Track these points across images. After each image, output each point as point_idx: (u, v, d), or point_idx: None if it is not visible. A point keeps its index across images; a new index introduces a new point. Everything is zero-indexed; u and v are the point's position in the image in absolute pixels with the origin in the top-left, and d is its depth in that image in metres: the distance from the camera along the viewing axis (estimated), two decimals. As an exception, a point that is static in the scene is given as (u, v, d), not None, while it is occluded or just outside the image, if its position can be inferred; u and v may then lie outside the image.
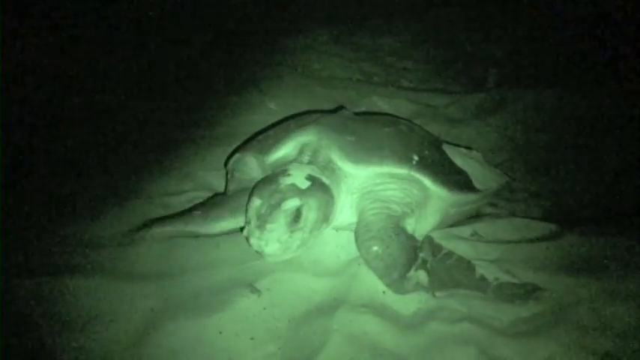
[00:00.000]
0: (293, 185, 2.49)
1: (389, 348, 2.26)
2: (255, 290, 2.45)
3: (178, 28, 6.14)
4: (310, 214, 2.47)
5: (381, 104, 4.75)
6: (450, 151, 3.10)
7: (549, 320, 2.37)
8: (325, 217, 2.59)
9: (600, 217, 3.18)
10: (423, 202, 2.75)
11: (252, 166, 2.96)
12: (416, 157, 2.75)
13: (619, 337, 2.29)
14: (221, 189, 3.16)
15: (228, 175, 3.09)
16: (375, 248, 2.52)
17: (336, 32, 6.29)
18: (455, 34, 6.77)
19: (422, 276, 2.53)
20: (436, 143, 3.09)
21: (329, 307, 2.39)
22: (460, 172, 2.98)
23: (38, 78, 4.48)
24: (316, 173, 2.61)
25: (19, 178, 3.27)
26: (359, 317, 2.34)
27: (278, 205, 2.41)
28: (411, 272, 2.52)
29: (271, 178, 2.56)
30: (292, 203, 2.42)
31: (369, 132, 2.83)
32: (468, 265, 2.57)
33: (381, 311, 2.41)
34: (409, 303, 2.50)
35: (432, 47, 6.43)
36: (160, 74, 4.97)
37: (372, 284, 2.53)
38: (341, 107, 3.29)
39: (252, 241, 2.39)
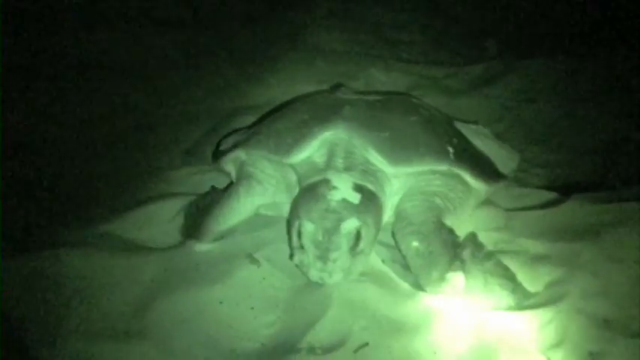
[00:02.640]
0: (345, 201, 2.25)
1: (387, 315, 2.27)
2: (255, 260, 2.45)
3: (170, 6, 6.05)
4: (369, 233, 2.26)
5: (380, 77, 4.72)
6: (466, 131, 2.94)
7: (549, 286, 2.37)
8: (379, 229, 2.43)
9: (598, 185, 3.16)
10: (465, 196, 2.63)
11: (260, 165, 2.73)
12: (451, 150, 2.57)
13: (617, 302, 2.29)
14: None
15: (230, 173, 2.91)
16: (416, 244, 2.37)
17: (333, 6, 6.23)
18: (450, 5, 6.69)
19: (459, 279, 2.31)
20: (452, 124, 2.93)
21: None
22: (484, 157, 2.82)
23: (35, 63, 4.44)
24: (361, 181, 2.37)
25: (17, 158, 3.26)
26: (357, 286, 2.34)
27: (336, 228, 2.17)
28: (449, 273, 2.32)
29: (314, 193, 2.30)
30: (351, 224, 2.20)
31: (397, 123, 2.60)
32: (505, 272, 2.42)
33: (379, 280, 2.41)
34: (408, 274, 2.49)
35: (429, 19, 6.37)
36: (157, 53, 4.93)
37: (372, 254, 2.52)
38: (339, 85, 3.17)
39: (313, 273, 2.20)
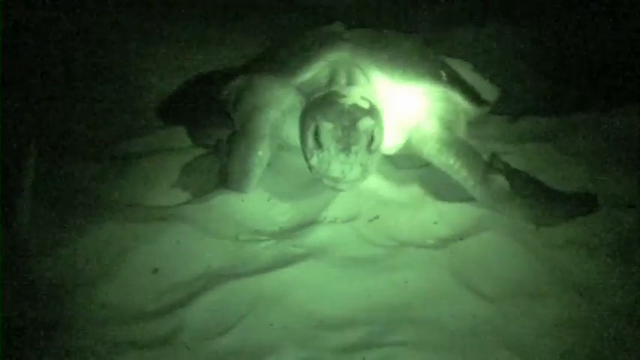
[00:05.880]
0: (356, 105, 2.34)
1: (391, 197, 2.62)
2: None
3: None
4: (379, 135, 2.36)
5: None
6: (450, 63, 3.11)
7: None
8: (384, 136, 2.50)
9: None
10: (456, 118, 2.80)
11: (267, 89, 2.77)
12: (443, 74, 2.78)
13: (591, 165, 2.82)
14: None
15: (231, 99, 2.95)
16: (452, 160, 2.57)
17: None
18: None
19: (501, 179, 2.55)
20: (441, 58, 3.11)
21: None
22: (470, 85, 3.02)
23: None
24: (365, 94, 2.47)
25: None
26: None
27: (353, 126, 2.25)
28: (490, 175, 2.55)
29: (326, 100, 2.40)
30: (367, 123, 2.28)
31: (393, 49, 2.76)
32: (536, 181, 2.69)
33: (379, 173, 2.70)
34: (398, 169, 2.84)
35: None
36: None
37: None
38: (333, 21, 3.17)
39: (334, 167, 2.23)
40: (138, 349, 1.88)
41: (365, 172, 2.29)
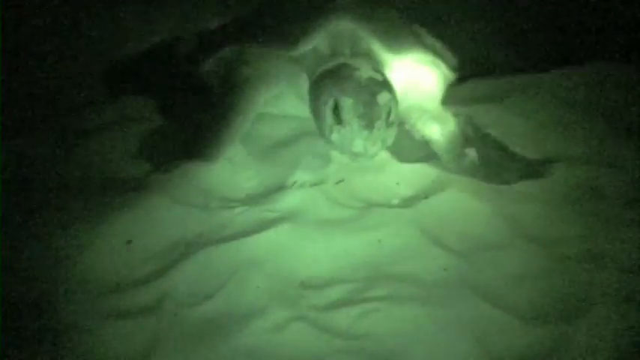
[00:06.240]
0: (372, 78, 2.27)
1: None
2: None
3: None
4: (396, 107, 2.29)
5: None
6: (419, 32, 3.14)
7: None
8: None
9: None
10: (439, 86, 2.87)
11: (264, 61, 2.70)
12: (429, 43, 2.85)
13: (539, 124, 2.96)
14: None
15: (220, 70, 2.86)
16: (438, 127, 2.64)
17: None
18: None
19: (473, 154, 2.60)
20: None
21: (302, 134, 2.78)
22: (445, 53, 3.09)
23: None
24: (375, 66, 2.43)
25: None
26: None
27: (373, 100, 2.19)
28: (465, 150, 2.61)
29: (340, 74, 2.30)
30: (386, 97, 2.22)
31: (384, 17, 2.76)
32: (503, 146, 2.78)
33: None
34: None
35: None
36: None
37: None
38: None
39: (357, 143, 2.18)
40: (124, 319, 1.89)
41: (384, 146, 2.27)
